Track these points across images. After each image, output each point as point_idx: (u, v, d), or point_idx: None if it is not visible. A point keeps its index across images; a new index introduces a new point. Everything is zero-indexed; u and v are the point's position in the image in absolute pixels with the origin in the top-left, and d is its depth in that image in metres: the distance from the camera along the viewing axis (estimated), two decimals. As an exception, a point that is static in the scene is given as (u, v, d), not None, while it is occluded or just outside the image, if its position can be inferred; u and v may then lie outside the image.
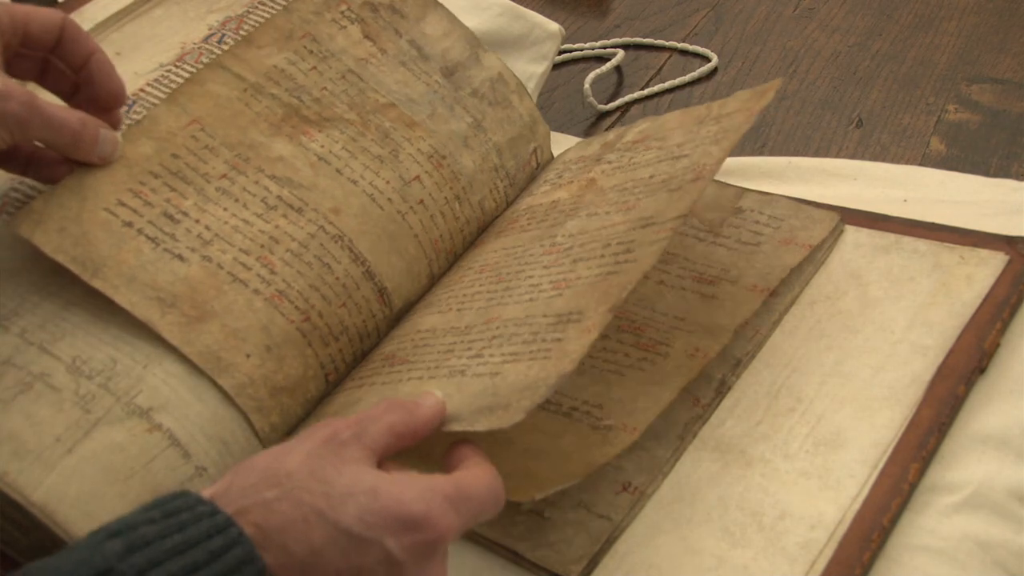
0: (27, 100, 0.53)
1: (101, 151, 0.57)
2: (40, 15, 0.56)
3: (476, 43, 0.73)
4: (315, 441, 0.45)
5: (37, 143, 0.57)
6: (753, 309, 0.61)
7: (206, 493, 0.43)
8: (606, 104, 0.87)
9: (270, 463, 0.44)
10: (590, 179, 0.67)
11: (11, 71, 0.55)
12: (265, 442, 0.59)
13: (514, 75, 0.73)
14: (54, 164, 0.58)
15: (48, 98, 0.57)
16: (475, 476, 0.46)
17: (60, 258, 0.55)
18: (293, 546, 0.41)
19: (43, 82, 0.58)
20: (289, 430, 0.61)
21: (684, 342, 0.60)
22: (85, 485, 0.51)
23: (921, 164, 0.78)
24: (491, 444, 0.56)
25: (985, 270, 0.64)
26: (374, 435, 0.46)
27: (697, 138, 0.63)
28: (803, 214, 0.68)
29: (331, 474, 0.43)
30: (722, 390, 0.60)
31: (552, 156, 0.76)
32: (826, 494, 0.54)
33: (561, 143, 0.78)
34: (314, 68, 0.66)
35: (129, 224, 0.57)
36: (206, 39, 0.66)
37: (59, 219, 0.55)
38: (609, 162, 0.68)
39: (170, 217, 0.58)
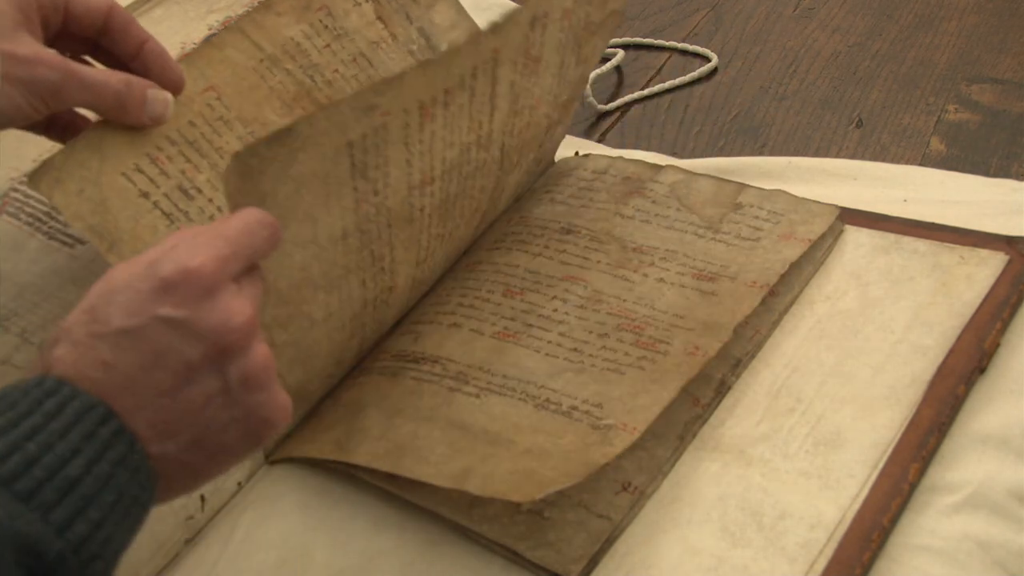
0: (60, 64, 0.52)
1: (151, 111, 0.56)
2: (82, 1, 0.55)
3: None
4: (91, 292, 0.44)
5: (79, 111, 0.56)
6: (753, 306, 0.61)
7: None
8: (606, 104, 0.87)
9: (51, 333, 0.43)
10: None
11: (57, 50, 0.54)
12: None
13: None
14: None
15: None
16: (225, 218, 0.45)
17: (78, 225, 0.54)
18: (94, 374, 0.41)
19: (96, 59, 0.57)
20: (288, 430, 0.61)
21: (684, 340, 0.60)
22: (85, 485, 0.51)
23: (921, 164, 0.78)
24: (492, 444, 0.56)
25: (985, 270, 0.64)
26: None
27: None
28: (802, 208, 0.68)
29: (93, 301, 0.42)
30: (722, 390, 0.60)
31: (553, 160, 0.76)
32: (826, 494, 0.54)
33: (561, 143, 0.78)
34: (328, 46, 0.65)
35: (146, 195, 0.56)
36: (206, 39, 0.66)
37: (79, 179, 0.54)
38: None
39: (185, 192, 0.57)
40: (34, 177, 0.54)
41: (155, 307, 0.41)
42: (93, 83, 0.53)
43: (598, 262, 0.65)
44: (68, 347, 0.41)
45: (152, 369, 0.41)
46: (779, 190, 0.69)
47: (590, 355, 0.60)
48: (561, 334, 0.61)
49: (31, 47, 0.51)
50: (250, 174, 0.49)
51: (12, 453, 0.38)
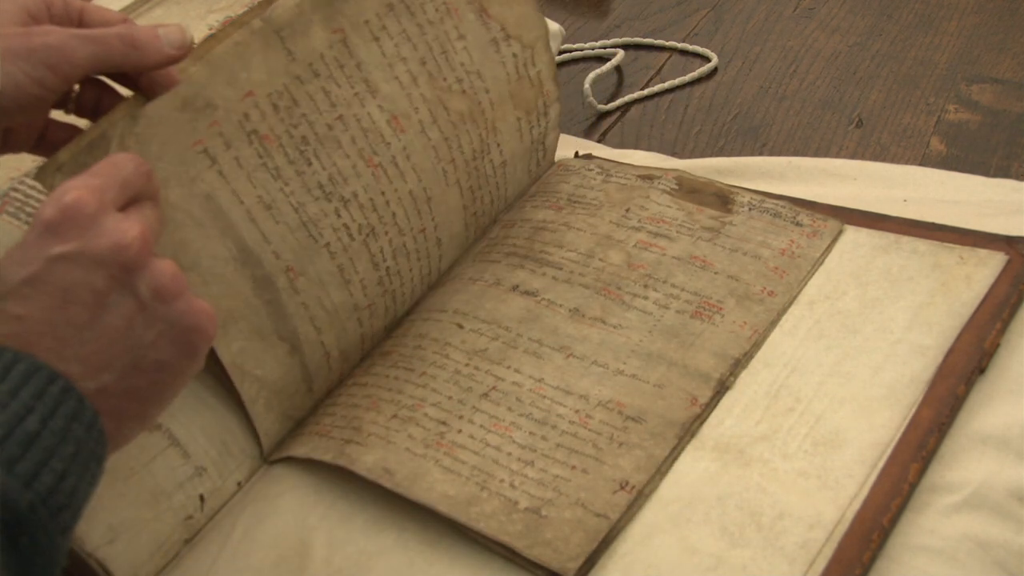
0: (55, 28, 0.49)
1: (171, 41, 0.50)
2: (97, 9, 0.53)
3: None
4: None
5: (70, 123, 0.54)
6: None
7: None
8: (606, 104, 0.87)
9: None
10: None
11: None
12: (264, 442, 0.59)
13: None
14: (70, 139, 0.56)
15: None
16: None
17: None
18: (10, 330, 0.42)
19: None
20: (287, 431, 0.61)
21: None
22: (84, 484, 0.51)
23: (921, 164, 0.78)
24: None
25: (984, 270, 0.64)
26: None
27: None
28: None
29: None
30: (721, 390, 0.60)
31: (554, 159, 0.76)
32: (825, 494, 0.54)
33: (561, 143, 0.78)
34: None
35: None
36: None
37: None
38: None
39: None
40: (41, 172, 0.53)
41: (46, 249, 0.43)
42: (95, 33, 0.49)
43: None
44: None
45: (64, 306, 0.42)
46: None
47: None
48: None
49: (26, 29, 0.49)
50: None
51: None
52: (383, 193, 0.62)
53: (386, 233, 0.62)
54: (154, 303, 0.44)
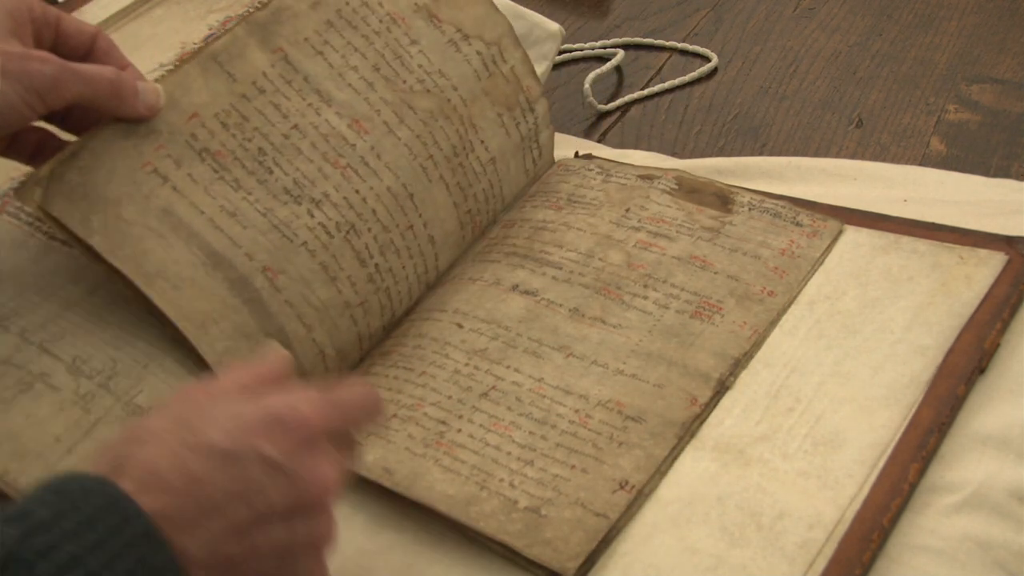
0: (53, 59, 0.52)
1: (146, 101, 0.56)
2: (73, 19, 0.56)
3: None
4: (174, 403, 0.44)
5: (41, 126, 0.56)
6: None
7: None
8: (606, 104, 0.87)
9: (131, 429, 0.43)
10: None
11: None
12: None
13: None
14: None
15: None
16: (342, 385, 0.47)
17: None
18: (173, 481, 0.40)
19: None
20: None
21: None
22: (84, 484, 0.51)
23: (921, 164, 0.78)
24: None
25: (984, 270, 0.64)
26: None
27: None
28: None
29: (182, 411, 0.43)
30: (721, 390, 0.60)
31: (553, 159, 0.76)
32: (824, 494, 0.54)
33: (561, 143, 0.78)
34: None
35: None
36: (206, 39, 0.66)
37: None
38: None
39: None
40: (22, 191, 0.54)
41: (257, 439, 0.42)
42: (88, 74, 0.53)
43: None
44: (150, 446, 0.41)
45: (236, 499, 0.41)
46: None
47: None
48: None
49: (23, 48, 0.51)
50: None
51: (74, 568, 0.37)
52: (357, 191, 0.62)
53: (369, 230, 0.62)
54: (299, 550, 0.43)
